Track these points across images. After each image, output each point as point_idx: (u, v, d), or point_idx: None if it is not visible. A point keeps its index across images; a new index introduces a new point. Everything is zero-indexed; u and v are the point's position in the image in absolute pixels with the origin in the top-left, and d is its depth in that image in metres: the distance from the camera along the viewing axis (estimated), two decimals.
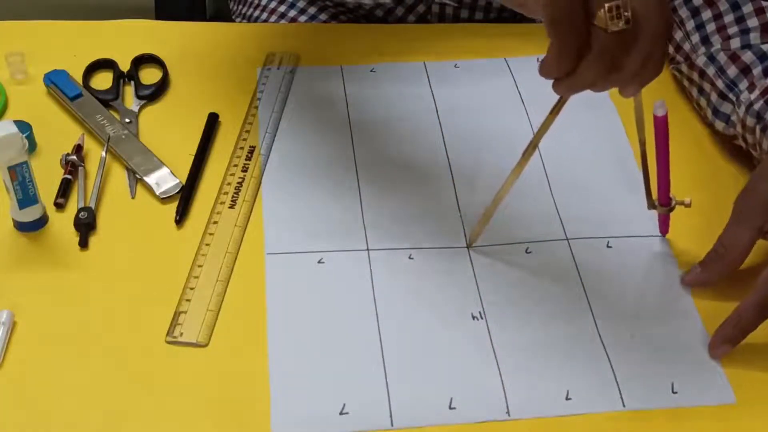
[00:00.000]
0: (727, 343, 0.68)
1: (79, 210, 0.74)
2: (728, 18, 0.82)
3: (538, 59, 0.89)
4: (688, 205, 0.73)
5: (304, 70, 0.88)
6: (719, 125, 0.82)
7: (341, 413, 0.64)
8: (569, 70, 0.59)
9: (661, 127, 0.70)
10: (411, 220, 0.76)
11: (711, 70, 0.82)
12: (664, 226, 0.75)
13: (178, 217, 0.74)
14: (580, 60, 0.59)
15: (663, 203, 0.73)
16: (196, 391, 0.65)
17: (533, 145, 0.68)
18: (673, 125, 0.85)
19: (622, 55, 0.59)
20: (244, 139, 0.81)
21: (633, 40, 0.59)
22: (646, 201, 0.73)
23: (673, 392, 0.66)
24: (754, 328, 0.67)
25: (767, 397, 0.66)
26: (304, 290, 0.71)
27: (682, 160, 0.82)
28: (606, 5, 0.57)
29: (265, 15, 1.01)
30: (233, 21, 1.07)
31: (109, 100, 0.83)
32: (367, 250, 0.74)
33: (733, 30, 0.82)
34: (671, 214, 0.74)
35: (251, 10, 1.03)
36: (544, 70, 0.60)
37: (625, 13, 0.57)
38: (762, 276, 0.66)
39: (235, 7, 1.07)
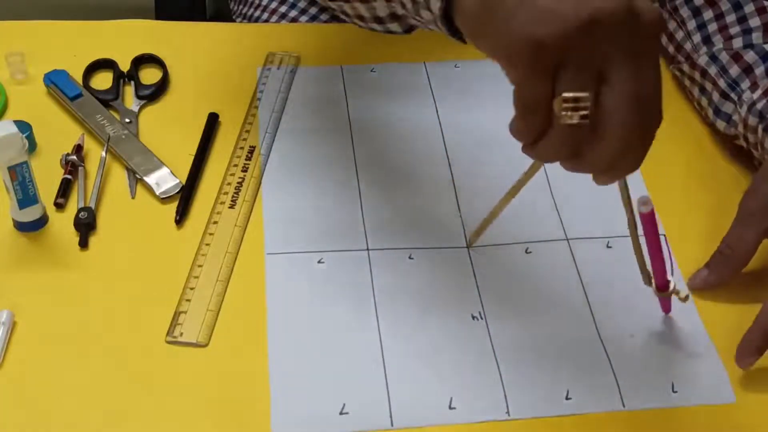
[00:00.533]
0: (755, 353, 0.67)
1: (79, 210, 0.74)
2: (730, 18, 0.82)
3: None
4: (684, 300, 0.69)
5: (304, 70, 0.88)
6: (720, 125, 0.82)
7: (341, 413, 0.64)
8: (530, 142, 0.56)
9: (648, 223, 0.64)
10: (411, 220, 0.76)
11: (713, 70, 0.82)
12: (665, 306, 0.71)
13: (178, 217, 0.74)
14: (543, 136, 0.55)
15: (661, 288, 0.68)
16: (196, 391, 0.65)
17: (514, 191, 0.66)
18: (674, 125, 0.86)
19: (582, 147, 0.54)
20: (244, 139, 0.81)
21: (596, 136, 0.53)
22: (642, 277, 0.68)
23: (673, 392, 0.66)
24: None
25: (767, 397, 0.66)
26: (304, 290, 0.71)
27: (682, 160, 0.82)
28: (564, 94, 0.51)
29: (265, 15, 1.01)
30: (233, 21, 1.06)
31: (109, 100, 0.83)
32: (367, 250, 0.74)
33: (735, 30, 0.82)
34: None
35: (251, 10, 1.03)
36: (511, 130, 0.56)
37: (582, 110, 0.51)
38: (751, 269, 0.67)
39: (236, 7, 1.07)
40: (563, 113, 0.52)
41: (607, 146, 0.53)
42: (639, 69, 0.52)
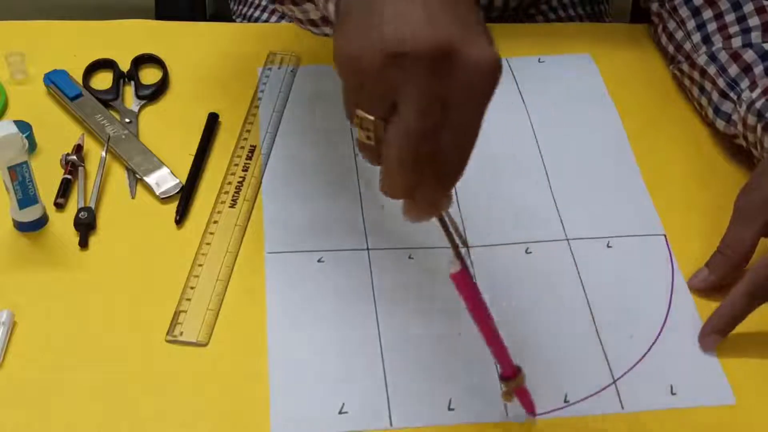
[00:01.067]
0: (716, 333, 0.68)
1: (79, 210, 0.74)
2: (729, 17, 0.83)
3: (539, 59, 0.90)
4: (508, 399, 0.61)
5: (305, 69, 0.88)
6: (720, 124, 0.82)
7: (340, 413, 0.64)
8: None
9: (462, 287, 0.57)
10: None
11: (712, 69, 0.82)
12: (527, 402, 0.63)
13: (178, 217, 0.74)
14: None
15: (507, 375, 0.60)
16: (196, 390, 0.65)
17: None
18: (674, 125, 0.86)
19: (375, 163, 0.53)
20: (245, 139, 0.81)
21: (381, 161, 0.53)
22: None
23: (672, 393, 0.66)
24: (744, 318, 0.67)
25: (767, 397, 0.66)
26: (304, 290, 0.71)
27: (682, 160, 0.82)
28: (357, 110, 0.51)
29: (265, 15, 1.01)
30: (234, 21, 1.06)
31: (109, 100, 0.83)
32: (367, 249, 0.74)
33: (734, 29, 0.82)
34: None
35: (251, 10, 1.03)
36: None
37: (366, 131, 0.51)
38: (752, 266, 0.67)
39: (236, 8, 1.07)
40: (358, 127, 0.52)
41: (386, 176, 0.52)
42: (427, 111, 0.50)
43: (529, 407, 0.63)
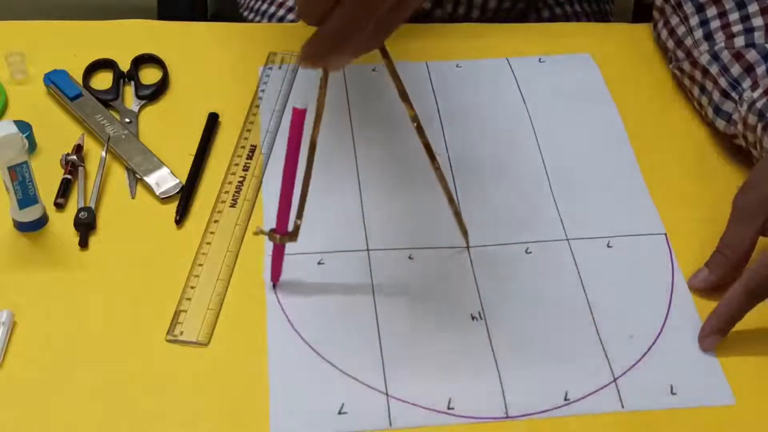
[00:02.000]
0: (716, 333, 0.68)
1: (79, 210, 0.74)
2: (733, 16, 0.82)
3: (540, 59, 0.90)
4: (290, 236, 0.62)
5: (305, 69, 0.88)
6: (720, 124, 0.82)
7: (340, 413, 0.64)
8: None
9: (294, 126, 0.62)
10: (411, 220, 0.76)
11: (714, 69, 0.82)
12: (275, 267, 0.65)
13: (178, 217, 0.74)
14: None
15: (276, 230, 0.61)
16: (196, 390, 0.65)
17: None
18: (674, 125, 0.86)
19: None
20: (246, 139, 0.81)
21: None
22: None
23: (672, 393, 0.66)
24: (742, 317, 0.67)
25: (767, 398, 0.66)
26: (304, 290, 0.71)
27: (682, 160, 0.82)
28: None
29: (272, 8, 1.01)
30: (240, 15, 1.06)
31: (109, 100, 0.83)
32: (367, 250, 0.74)
33: (737, 28, 0.82)
34: None
35: (259, 3, 1.03)
36: None
37: None
38: (750, 265, 0.67)
39: (243, 1, 1.07)
40: None
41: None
42: None
43: (274, 273, 0.68)
